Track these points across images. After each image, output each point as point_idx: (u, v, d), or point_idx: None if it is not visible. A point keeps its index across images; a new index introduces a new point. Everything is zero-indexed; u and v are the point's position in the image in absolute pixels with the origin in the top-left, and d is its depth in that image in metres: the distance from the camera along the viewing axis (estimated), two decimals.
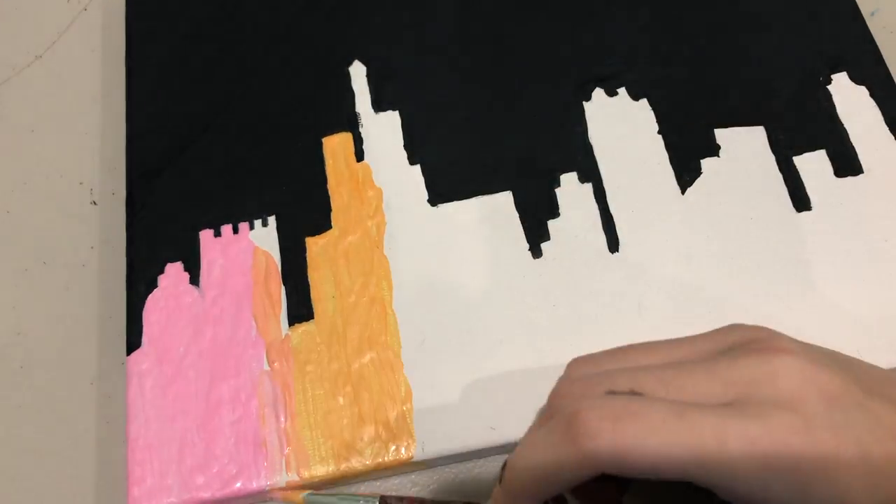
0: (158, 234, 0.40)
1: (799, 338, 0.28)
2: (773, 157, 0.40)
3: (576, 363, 0.29)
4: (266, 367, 0.37)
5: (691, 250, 0.38)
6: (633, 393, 0.26)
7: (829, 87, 0.41)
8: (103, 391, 0.40)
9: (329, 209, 0.40)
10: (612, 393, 0.26)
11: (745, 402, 0.25)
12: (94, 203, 0.44)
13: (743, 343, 0.27)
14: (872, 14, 0.45)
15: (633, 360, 0.28)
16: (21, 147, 0.46)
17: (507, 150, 0.41)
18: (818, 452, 0.25)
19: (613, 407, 0.25)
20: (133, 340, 0.38)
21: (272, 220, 0.40)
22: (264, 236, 0.40)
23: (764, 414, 0.25)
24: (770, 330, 0.28)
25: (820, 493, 0.25)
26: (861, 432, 0.25)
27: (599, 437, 0.24)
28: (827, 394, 0.25)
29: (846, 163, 0.40)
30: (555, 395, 0.28)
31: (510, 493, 0.27)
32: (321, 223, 0.40)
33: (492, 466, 0.36)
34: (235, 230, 0.40)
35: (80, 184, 0.45)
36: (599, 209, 0.39)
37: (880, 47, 0.42)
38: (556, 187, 0.40)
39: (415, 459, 0.35)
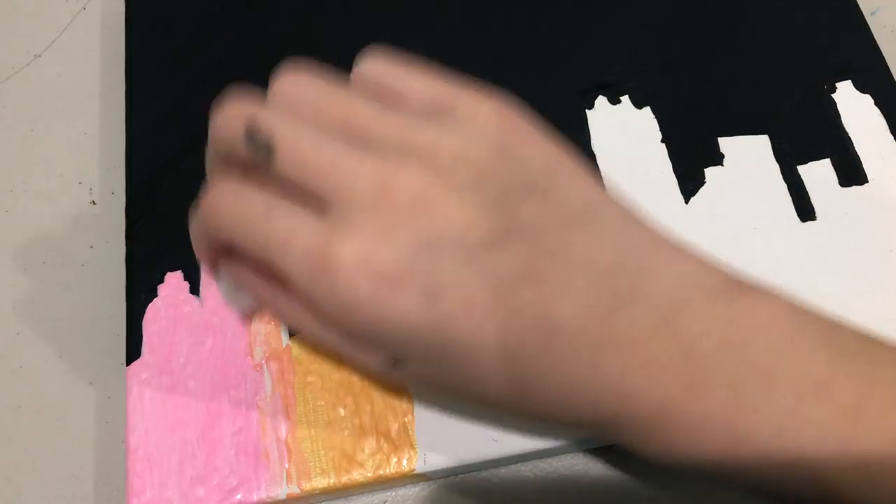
0: (158, 244, 0.40)
1: None
2: (777, 166, 0.40)
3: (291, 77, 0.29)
4: (267, 378, 0.37)
5: None
6: (269, 144, 0.27)
7: (833, 95, 0.41)
8: (103, 392, 0.40)
9: None
10: (251, 136, 0.28)
11: (342, 201, 0.26)
12: (94, 203, 0.44)
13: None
14: (873, 14, 0.45)
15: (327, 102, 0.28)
16: (20, 147, 0.46)
17: None
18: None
19: (221, 191, 0.29)
20: (133, 350, 0.38)
21: None
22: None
23: (335, 231, 0.26)
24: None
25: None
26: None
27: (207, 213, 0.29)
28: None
29: (851, 172, 0.39)
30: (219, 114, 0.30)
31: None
32: None
33: (495, 478, 0.36)
34: None
35: (80, 184, 0.44)
36: None
37: (881, 47, 0.42)
38: None
39: (417, 472, 0.35)
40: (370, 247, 0.25)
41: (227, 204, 0.28)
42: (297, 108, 0.28)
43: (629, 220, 0.28)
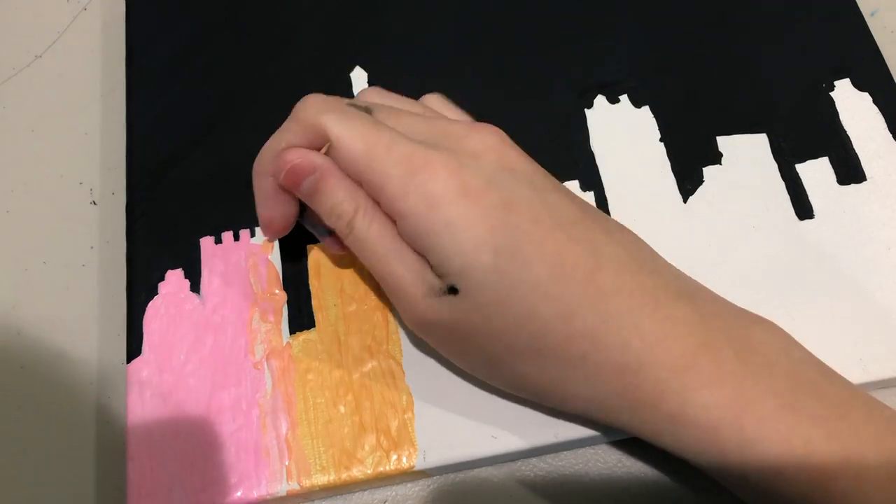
0: (159, 242, 0.40)
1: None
2: (775, 165, 0.40)
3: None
4: (267, 376, 0.37)
5: (693, 258, 0.38)
6: (368, 107, 0.34)
7: (831, 93, 0.41)
8: (103, 392, 0.40)
9: None
10: (352, 103, 0.34)
11: (434, 143, 0.32)
12: (94, 203, 0.44)
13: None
14: (872, 14, 0.45)
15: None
16: (21, 147, 0.46)
17: None
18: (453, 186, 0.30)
19: (331, 102, 0.33)
20: (133, 348, 0.38)
21: None
22: (265, 243, 0.40)
23: (431, 149, 0.31)
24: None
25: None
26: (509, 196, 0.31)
27: (310, 109, 0.33)
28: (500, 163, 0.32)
29: (849, 170, 0.40)
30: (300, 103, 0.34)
31: (255, 170, 0.36)
32: None
33: (494, 475, 0.36)
34: (236, 237, 0.40)
35: (80, 184, 0.44)
36: None
37: (880, 47, 0.42)
38: None
39: (416, 468, 0.35)
40: (461, 162, 0.31)
41: (337, 109, 0.33)
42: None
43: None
